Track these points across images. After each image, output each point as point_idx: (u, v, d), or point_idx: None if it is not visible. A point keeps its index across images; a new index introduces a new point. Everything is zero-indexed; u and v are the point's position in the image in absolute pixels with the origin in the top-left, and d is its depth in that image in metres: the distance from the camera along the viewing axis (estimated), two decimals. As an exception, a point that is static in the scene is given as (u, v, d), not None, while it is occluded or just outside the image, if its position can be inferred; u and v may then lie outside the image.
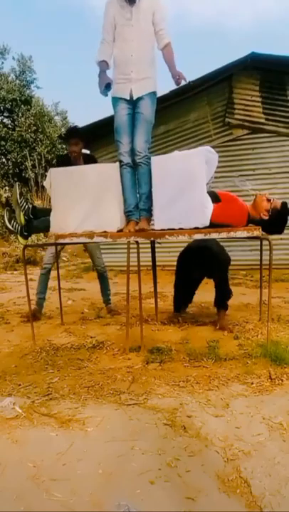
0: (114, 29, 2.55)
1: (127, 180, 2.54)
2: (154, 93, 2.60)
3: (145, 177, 2.51)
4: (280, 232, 2.44)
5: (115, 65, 2.61)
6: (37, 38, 39.26)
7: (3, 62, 14.47)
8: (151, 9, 2.52)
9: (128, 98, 2.53)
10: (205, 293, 4.49)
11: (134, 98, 2.52)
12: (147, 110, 2.55)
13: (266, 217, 2.34)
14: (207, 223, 2.26)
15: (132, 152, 2.51)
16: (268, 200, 2.37)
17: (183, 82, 2.61)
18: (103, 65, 2.56)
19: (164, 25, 2.56)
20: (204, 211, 2.27)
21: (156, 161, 2.45)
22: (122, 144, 2.54)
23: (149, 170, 2.50)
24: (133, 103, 2.55)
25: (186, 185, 2.26)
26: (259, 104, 6.15)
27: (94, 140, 7.28)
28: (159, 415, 1.61)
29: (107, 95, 2.55)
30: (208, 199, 2.30)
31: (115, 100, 2.58)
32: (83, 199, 2.45)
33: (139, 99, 2.53)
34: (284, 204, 2.40)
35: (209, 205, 2.29)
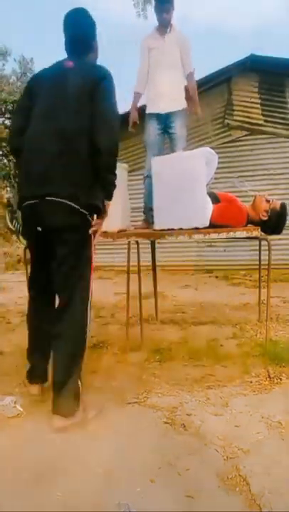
0: (148, 55, 2.93)
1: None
2: (184, 110, 2.96)
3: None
4: (279, 232, 2.45)
5: (148, 87, 3.01)
6: (37, 39, 39.30)
7: (4, 64, 14.51)
8: (179, 42, 2.91)
9: (159, 112, 2.90)
10: (205, 293, 4.50)
11: (164, 113, 2.88)
12: (180, 128, 2.91)
13: (265, 218, 2.35)
14: (207, 224, 2.28)
15: None
16: (267, 201, 2.39)
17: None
18: (136, 97, 3.02)
19: (188, 59, 2.94)
20: (204, 212, 2.28)
21: (156, 161, 2.46)
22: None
23: None
24: (164, 119, 2.91)
25: (186, 186, 2.27)
26: (258, 105, 6.17)
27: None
28: (158, 414, 1.62)
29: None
30: (208, 200, 2.31)
31: (147, 117, 2.96)
32: None
33: (171, 115, 2.89)
34: (283, 205, 2.41)
35: (209, 206, 2.30)
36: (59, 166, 1.49)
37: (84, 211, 1.54)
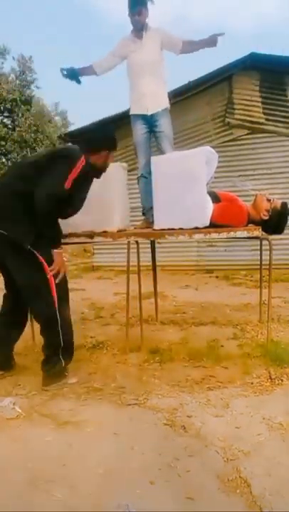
0: (120, 55, 2.94)
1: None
2: (166, 109, 2.92)
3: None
4: (280, 232, 2.44)
5: (131, 90, 2.96)
6: (37, 38, 39.28)
7: (3, 63, 14.47)
8: (158, 37, 2.87)
9: (145, 113, 2.87)
10: (205, 293, 4.50)
11: (149, 114, 2.86)
12: (166, 127, 2.90)
13: (266, 217, 2.34)
14: (207, 223, 2.26)
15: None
16: (268, 200, 2.37)
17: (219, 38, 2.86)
18: (88, 68, 2.97)
19: (173, 37, 2.90)
20: (204, 211, 2.27)
21: (156, 161, 2.45)
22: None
23: None
24: (150, 119, 2.87)
25: (186, 185, 2.26)
26: (259, 104, 6.15)
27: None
28: (159, 415, 1.61)
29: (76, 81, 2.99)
30: (208, 199, 2.30)
31: (133, 118, 2.93)
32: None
33: (156, 115, 2.87)
34: (284, 204, 2.40)
35: (209, 205, 2.29)
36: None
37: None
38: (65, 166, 1.89)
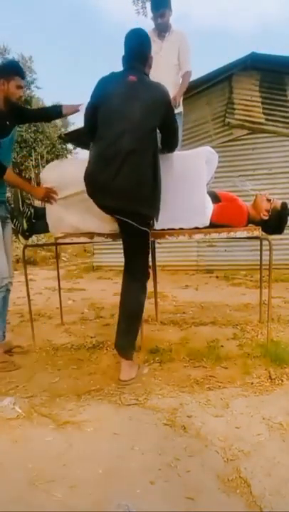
0: None
1: None
2: (179, 114, 2.95)
3: None
4: (280, 232, 2.44)
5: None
6: (37, 38, 39.26)
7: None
8: (177, 43, 2.88)
9: None
10: (205, 293, 4.49)
11: None
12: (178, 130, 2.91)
13: (266, 217, 2.34)
14: (207, 223, 2.26)
15: None
16: (268, 200, 2.37)
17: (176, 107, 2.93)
18: None
19: (186, 58, 2.94)
20: (204, 211, 2.27)
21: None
22: None
23: None
24: None
25: (186, 185, 2.26)
26: (259, 104, 6.15)
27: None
28: (159, 415, 1.61)
29: None
30: (208, 199, 2.30)
31: None
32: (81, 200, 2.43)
33: None
34: (284, 204, 2.40)
35: (209, 206, 2.29)
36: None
37: None
38: None
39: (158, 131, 1.92)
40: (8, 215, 2.40)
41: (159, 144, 1.98)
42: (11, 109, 2.21)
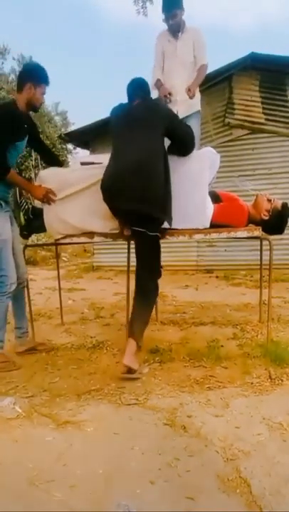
0: (163, 57, 2.96)
1: None
2: (198, 111, 2.98)
3: None
4: (281, 232, 2.44)
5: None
6: (37, 38, 39.28)
7: (3, 63, 14.51)
8: (192, 39, 2.88)
9: None
10: (205, 293, 4.49)
11: (181, 118, 2.87)
12: (195, 128, 2.91)
13: (266, 218, 2.34)
14: (207, 225, 2.26)
15: None
16: (269, 200, 2.37)
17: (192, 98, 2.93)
18: (159, 83, 2.98)
19: (201, 52, 2.94)
20: (205, 212, 2.27)
21: None
22: None
23: None
24: None
25: (187, 187, 2.26)
26: (259, 104, 6.15)
27: (94, 139, 7.29)
28: (159, 415, 1.61)
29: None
30: (209, 200, 2.30)
31: None
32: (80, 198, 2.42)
33: (186, 119, 2.88)
34: (285, 204, 2.40)
35: (210, 206, 2.29)
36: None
37: None
38: None
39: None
40: (14, 215, 2.41)
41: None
42: (28, 116, 2.27)
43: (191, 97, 2.88)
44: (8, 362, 2.20)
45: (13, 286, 2.22)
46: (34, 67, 2.24)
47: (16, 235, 2.37)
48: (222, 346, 2.39)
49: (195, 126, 2.92)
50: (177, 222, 2.32)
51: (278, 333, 2.63)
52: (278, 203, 2.38)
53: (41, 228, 2.53)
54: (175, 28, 2.84)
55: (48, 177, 2.40)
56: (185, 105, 2.89)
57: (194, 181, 2.24)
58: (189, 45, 2.89)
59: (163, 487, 1.20)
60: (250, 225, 2.37)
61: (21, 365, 2.21)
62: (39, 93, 2.17)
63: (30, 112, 2.29)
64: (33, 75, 2.16)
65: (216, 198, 2.38)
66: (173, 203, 2.30)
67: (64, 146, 14.42)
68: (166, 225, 2.32)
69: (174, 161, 2.43)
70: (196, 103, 2.97)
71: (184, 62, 2.90)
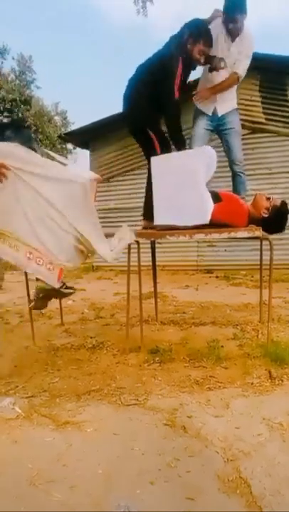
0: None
1: None
2: (236, 109, 2.99)
3: (243, 186, 3.00)
4: (281, 230, 2.45)
5: (203, 82, 2.92)
6: (37, 38, 39.28)
7: (2, 62, 14.46)
8: (243, 47, 2.79)
9: (210, 114, 2.91)
10: (205, 293, 4.49)
11: (219, 115, 2.91)
12: (237, 124, 2.96)
13: (266, 215, 2.34)
14: (207, 220, 2.25)
15: None
16: (268, 199, 2.38)
17: (198, 101, 2.92)
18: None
19: (243, 63, 2.84)
20: (204, 207, 2.26)
21: (155, 160, 2.45)
22: None
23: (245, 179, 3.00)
24: (217, 119, 2.93)
25: (186, 183, 2.26)
26: (259, 104, 6.15)
27: (94, 139, 7.29)
28: (159, 415, 1.61)
29: None
30: (208, 195, 2.30)
31: (197, 112, 2.95)
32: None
33: (226, 115, 2.90)
34: (284, 202, 2.40)
35: (209, 201, 2.29)
36: None
37: None
38: None
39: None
40: None
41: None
42: None
43: (197, 100, 2.86)
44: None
45: None
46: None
47: None
48: (222, 346, 2.39)
49: (236, 121, 2.94)
50: (177, 219, 2.31)
51: (278, 333, 2.62)
52: (277, 201, 2.39)
53: None
54: (234, 33, 2.68)
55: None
56: (223, 104, 2.90)
57: (191, 177, 2.25)
58: (239, 49, 2.79)
59: (163, 487, 1.20)
60: (251, 225, 2.37)
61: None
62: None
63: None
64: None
65: (216, 197, 2.38)
66: (172, 201, 2.30)
67: (64, 146, 14.42)
68: (169, 221, 2.32)
69: (170, 159, 2.43)
70: (233, 101, 2.97)
71: (231, 66, 2.80)
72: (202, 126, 2.93)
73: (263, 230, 2.28)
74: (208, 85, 2.87)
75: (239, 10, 2.59)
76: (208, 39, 2.53)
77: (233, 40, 2.75)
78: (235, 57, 2.79)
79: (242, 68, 2.83)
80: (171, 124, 2.55)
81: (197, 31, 2.51)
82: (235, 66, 2.81)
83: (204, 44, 2.52)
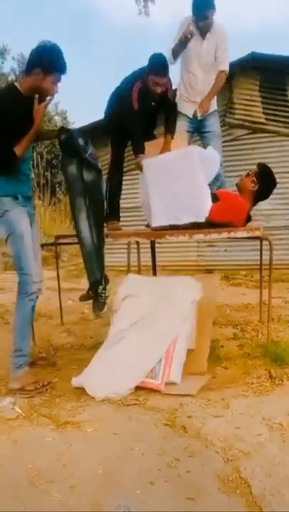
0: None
1: None
2: (216, 111, 3.05)
3: (223, 186, 2.99)
4: (275, 182, 2.51)
5: (183, 84, 2.97)
6: (37, 38, 39.18)
7: (3, 62, 14.42)
8: (216, 40, 2.82)
9: (191, 117, 2.94)
10: (205, 293, 4.48)
11: (199, 118, 2.94)
12: (216, 127, 3.01)
13: (256, 187, 2.38)
14: (206, 215, 2.24)
15: None
16: (247, 175, 2.43)
17: (198, 114, 2.96)
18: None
19: (224, 56, 2.90)
20: (202, 202, 2.26)
21: (147, 162, 2.43)
22: None
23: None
24: (198, 121, 2.95)
25: (181, 179, 2.26)
26: (259, 104, 6.14)
27: (93, 140, 7.29)
28: (159, 415, 1.61)
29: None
30: (208, 192, 2.31)
31: (179, 114, 2.91)
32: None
33: (206, 118, 2.94)
34: (259, 164, 2.52)
35: (206, 195, 2.29)
36: None
37: None
38: None
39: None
40: (34, 212, 2.14)
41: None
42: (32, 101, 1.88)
43: (202, 114, 2.90)
44: (37, 382, 1.87)
45: (36, 287, 1.97)
46: (48, 49, 1.79)
47: (36, 234, 2.11)
48: (222, 346, 2.39)
49: (215, 124, 2.98)
50: (175, 217, 2.30)
51: (278, 333, 2.62)
52: (255, 170, 2.46)
53: None
54: (204, 29, 2.74)
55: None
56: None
57: (187, 174, 2.25)
58: (213, 46, 2.83)
59: (163, 487, 1.20)
60: (250, 224, 2.37)
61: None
62: (49, 82, 1.81)
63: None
64: (43, 60, 1.76)
65: (214, 198, 2.38)
66: (168, 200, 2.30)
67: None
68: (166, 222, 2.32)
69: (162, 160, 2.43)
70: (213, 102, 3.00)
71: (207, 64, 2.85)
72: (183, 127, 2.94)
73: (264, 196, 2.41)
74: (188, 89, 2.93)
75: (209, 6, 2.68)
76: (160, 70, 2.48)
77: (204, 36, 2.79)
78: (212, 54, 2.84)
79: (226, 63, 2.91)
80: (132, 134, 2.66)
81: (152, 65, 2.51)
82: (218, 63, 2.86)
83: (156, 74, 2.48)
